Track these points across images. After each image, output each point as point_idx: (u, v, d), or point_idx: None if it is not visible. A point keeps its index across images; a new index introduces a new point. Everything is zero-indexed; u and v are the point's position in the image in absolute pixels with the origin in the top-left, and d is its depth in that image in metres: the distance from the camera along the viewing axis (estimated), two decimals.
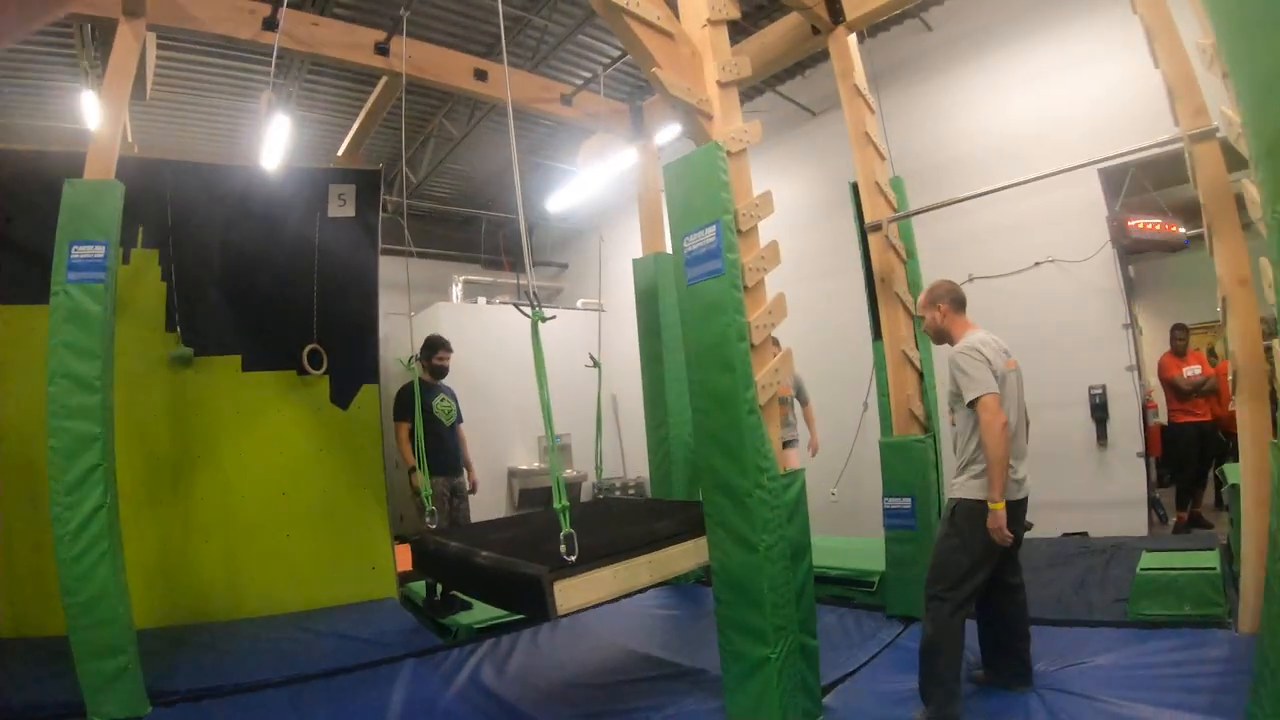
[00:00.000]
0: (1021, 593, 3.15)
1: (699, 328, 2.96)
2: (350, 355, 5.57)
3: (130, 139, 5.17)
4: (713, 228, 2.89)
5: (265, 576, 5.34)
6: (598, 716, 3.33)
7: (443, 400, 5.17)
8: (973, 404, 2.84)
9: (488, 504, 8.13)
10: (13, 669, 4.16)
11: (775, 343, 5.28)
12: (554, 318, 2.96)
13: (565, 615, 2.65)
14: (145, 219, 5.13)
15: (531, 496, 8.60)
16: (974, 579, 2.91)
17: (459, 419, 5.35)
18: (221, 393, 5.37)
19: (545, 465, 8.65)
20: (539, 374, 2.74)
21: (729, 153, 2.99)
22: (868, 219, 4.27)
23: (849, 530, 6.06)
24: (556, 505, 2.73)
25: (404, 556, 5.03)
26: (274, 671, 4.09)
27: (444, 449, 5.02)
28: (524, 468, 8.85)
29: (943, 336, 3.15)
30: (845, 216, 4.53)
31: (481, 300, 9.40)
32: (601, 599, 2.85)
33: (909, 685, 3.21)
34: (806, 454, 5.70)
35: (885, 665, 3.65)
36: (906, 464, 4.13)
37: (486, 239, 11.20)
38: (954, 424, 3.06)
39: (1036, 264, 5.84)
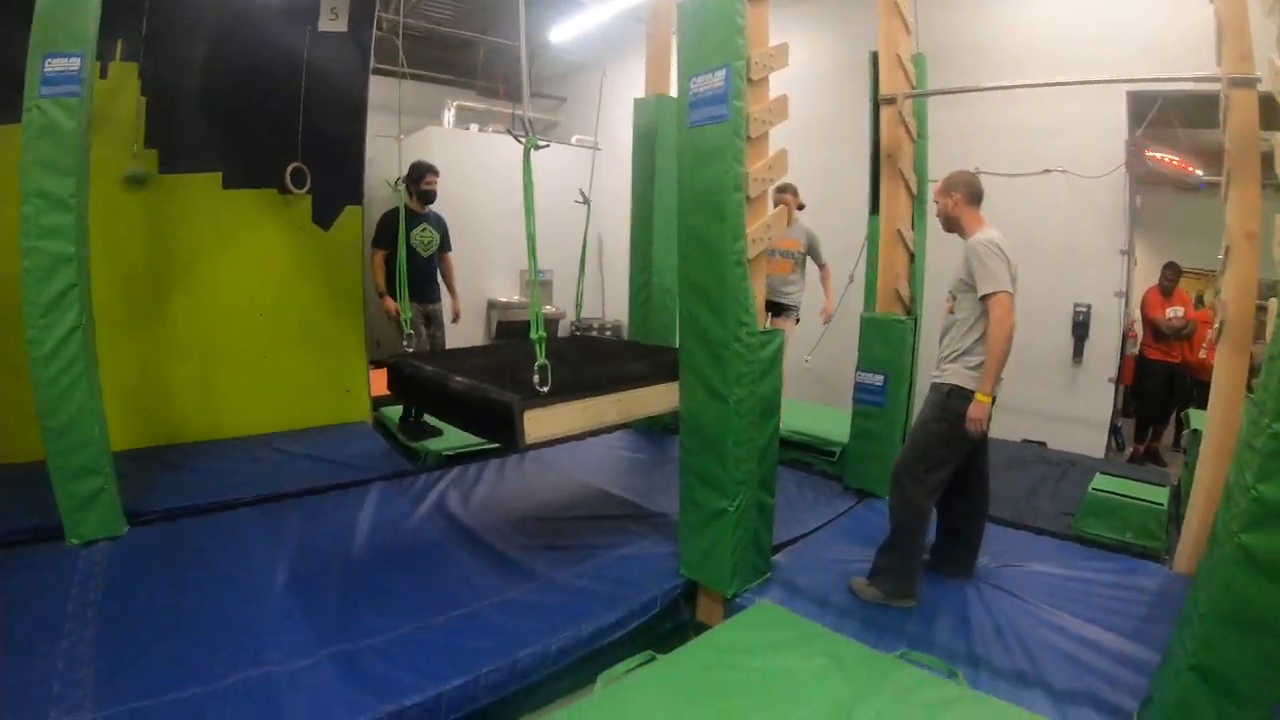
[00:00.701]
0: (988, 483, 3.23)
1: (694, 172, 2.89)
2: (334, 176, 5.42)
3: None
4: (722, 71, 2.77)
5: (241, 398, 5.37)
6: (556, 549, 3.47)
7: (424, 230, 5.07)
8: (985, 298, 2.82)
9: (466, 334, 8.14)
10: None
11: (794, 190, 5.19)
12: (547, 146, 2.87)
13: (533, 445, 2.72)
14: (124, 31, 4.83)
15: (509, 329, 8.66)
16: (950, 464, 2.99)
17: (444, 247, 5.27)
18: (200, 211, 5.21)
19: (525, 299, 8.65)
20: (527, 204, 2.68)
21: None
22: (883, 91, 4.12)
23: (818, 398, 6.21)
24: (533, 336, 2.71)
25: (379, 381, 5.18)
26: (248, 491, 4.18)
27: (418, 276, 4.98)
28: (504, 300, 8.82)
29: (952, 225, 3.10)
30: (855, 86, 4.39)
31: (474, 127, 9.07)
32: (569, 431, 2.91)
33: (856, 555, 3.38)
34: (819, 319, 5.61)
35: (836, 533, 3.79)
36: (884, 342, 4.15)
37: (483, 64, 10.80)
38: (951, 310, 3.04)
39: (1045, 171, 5.73)
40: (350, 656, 2.50)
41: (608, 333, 9.03)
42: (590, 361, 3.69)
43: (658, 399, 3.27)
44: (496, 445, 4.41)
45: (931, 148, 4.32)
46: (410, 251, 4.81)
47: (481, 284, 8.56)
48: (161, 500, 4.01)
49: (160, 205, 5.10)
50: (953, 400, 2.90)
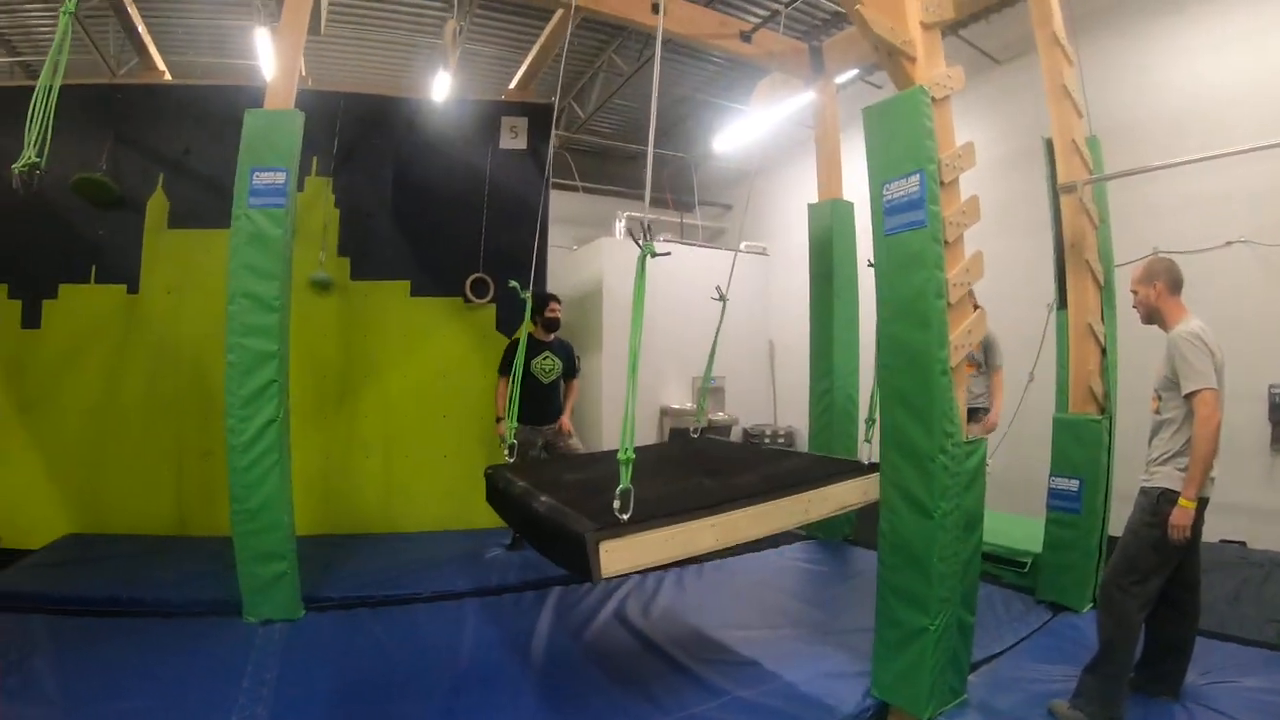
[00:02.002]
0: (1199, 593, 2.95)
1: (896, 280, 2.83)
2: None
3: (304, 72, 5.37)
4: (916, 176, 2.73)
5: (421, 494, 5.58)
6: (740, 664, 3.32)
7: (545, 358, 5.09)
8: (1190, 395, 2.65)
9: (639, 441, 8.20)
10: (175, 563, 4.49)
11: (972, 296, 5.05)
12: (668, 254, 2.77)
13: (610, 578, 2.42)
14: (319, 148, 5.38)
15: (678, 434, 8.57)
16: (1161, 575, 2.76)
17: (568, 374, 5.24)
18: (389, 316, 5.60)
19: (695, 406, 8.64)
20: (635, 312, 2.57)
21: (933, 98, 2.81)
22: (1061, 179, 3.96)
23: (1001, 505, 5.78)
24: (621, 456, 2.38)
25: None
26: (424, 587, 4.25)
27: (535, 402, 4.96)
28: (675, 406, 8.76)
29: (1153, 317, 2.92)
30: (1025, 174, 4.25)
31: None
32: (654, 562, 2.53)
33: (1055, 675, 3.12)
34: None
35: (1031, 651, 3.50)
36: (1079, 444, 3.90)
37: (652, 176, 11.17)
38: (1158, 411, 2.85)
39: (1228, 243, 5.32)
40: None
41: (780, 440, 8.80)
42: (694, 473, 3.37)
43: (761, 520, 2.77)
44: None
45: None
46: (530, 378, 4.88)
47: (655, 390, 8.60)
48: (338, 588, 4.15)
49: (351, 308, 5.52)
50: (1163, 505, 2.71)
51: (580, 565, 2.31)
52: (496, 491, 3.38)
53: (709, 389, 4.73)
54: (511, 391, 4.57)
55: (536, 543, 2.96)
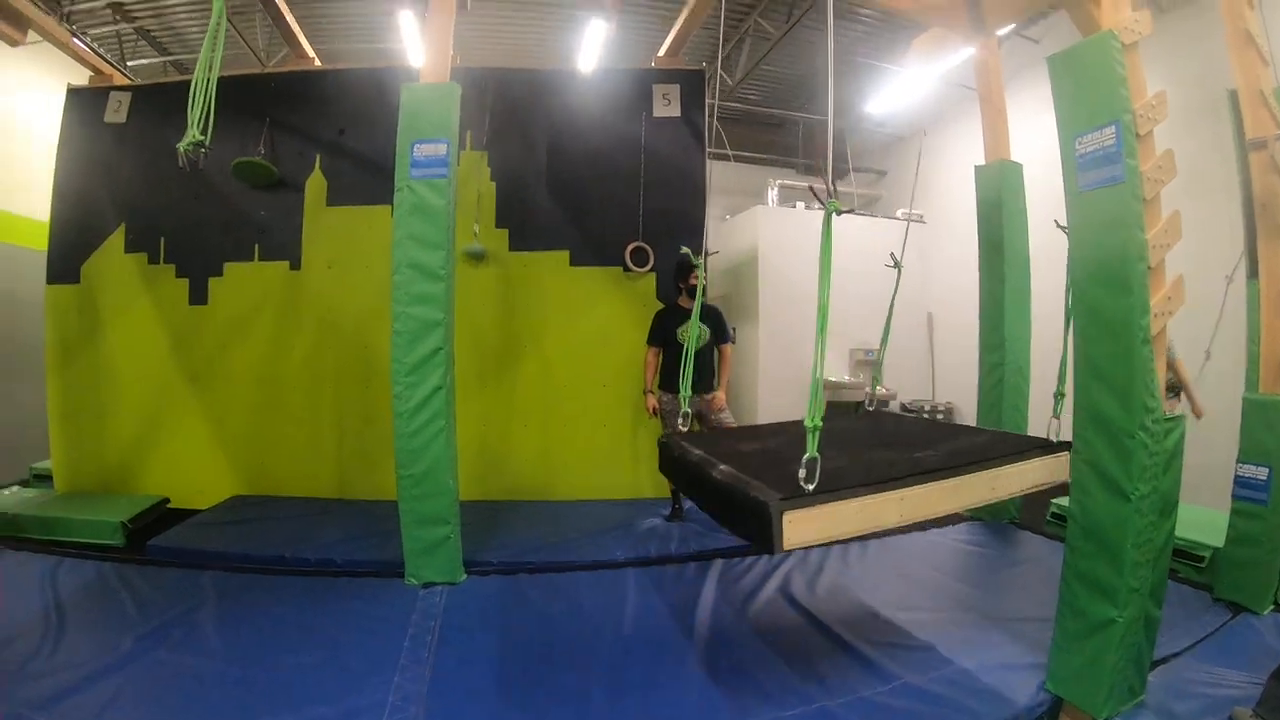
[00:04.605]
0: None
1: (1091, 241, 2.62)
2: (675, 254, 5.50)
3: (451, 50, 5.53)
4: (1111, 128, 2.52)
5: (579, 463, 5.66)
6: (907, 647, 3.21)
7: (686, 327, 5.07)
8: None
9: (791, 411, 7.95)
10: (337, 525, 4.71)
11: None
12: (850, 210, 2.61)
13: (792, 549, 2.32)
14: (472, 124, 5.50)
15: (840, 411, 8.42)
16: None
17: (719, 339, 5.14)
18: (548, 286, 5.69)
19: (855, 380, 8.45)
20: (823, 274, 2.39)
21: (1123, 44, 2.59)
22: (1249, 134, 3.58)
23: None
24: (808, 423, 2.28)
25: None
26: (583, 554, 4.29)
27: (682, 370, 4.96)
28: (833, 379, 8.58)
29: None
30: (1192, 131, 3.83)
31: (800, 205, 9.13)
32: (840, 535, 2.43)
33: (1236, 680, 2.94)
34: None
35: (1211, 652, 3.25)
36: (1271, 428, 3.53)
37: (804, 143, 10.96)
38: None
39: None
40: None
41: (939, 415, 8.54)
42: (875, 446, 3.22)
43: (949, 496, 2.63)
44: None
45: None
46: (675, 345, 4.87)
47: (810, 361, 8.46)
48: (499, 554, 4.23)
49: (510, 279, 5.65)
50: None
51: (763, 536, 2.23)
52: (671, 459, 3.31)
53: (881, 362, 4.55)
54: (659, 362, 4.59)
55: (714, 512, 2.87)
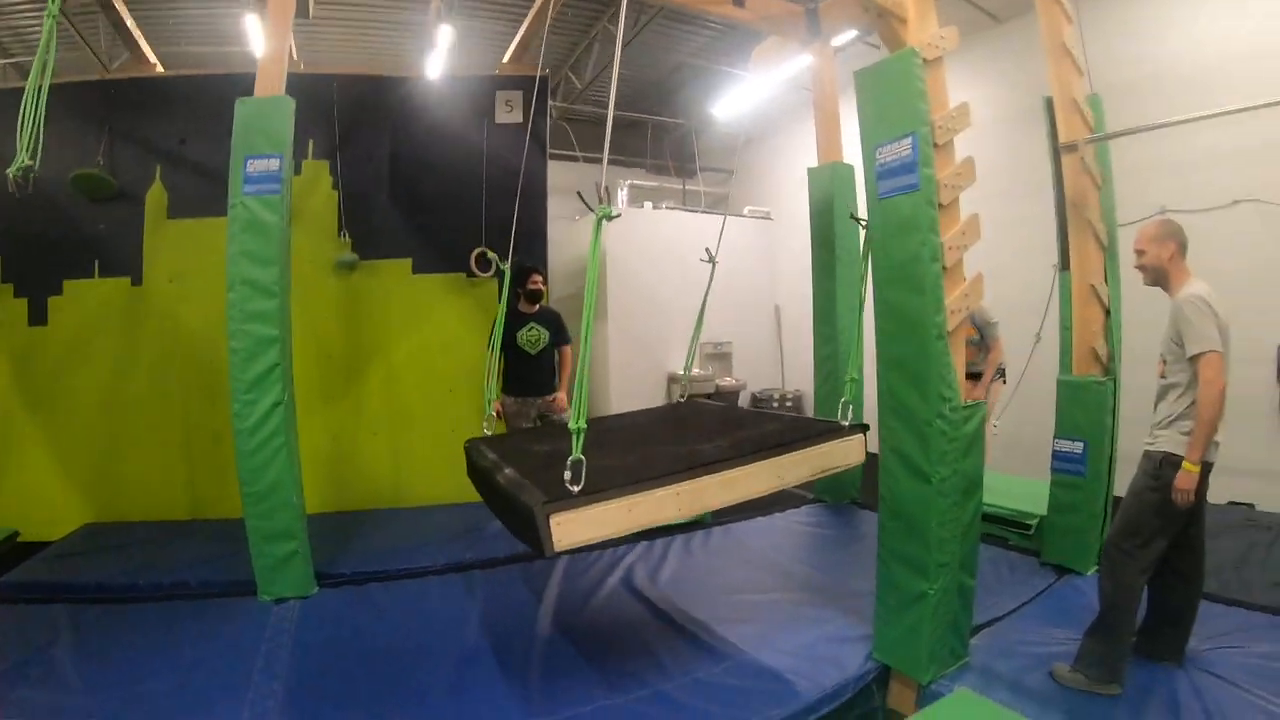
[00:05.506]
0: (1203, 558, 2.93)
1: (889, 245, 2.82)
2: (518, 258, 5.50)
3: (295, 57, 5.36)
4: (908, 140, 2.71)
5: (429, 469, 5.64)
6: (744, 629, 3.35)
7: (530, 330, 5.10)
8: (1194, 358, 2.63)
9: (644, 406, 8.30)
10: (189, 547, 4.57)
11: None
12: (619, 215, 2.64)
13: (564, 552, 2.33)
14: (315, 132, 5.39)
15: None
16: (1164, 538, 2.75)
17: (558, 342, 5.21)
18: (392, 294, 5.67)
19: (704, 372, 8.64)
20: (590, 276, 2.48)
21: (925, 60, 2.77)
22: (1062, 139, 3.91)
23: (1009, 467, 5.77)
24: (572, 425, 2.27)
25: None
26: (434, 559, 4.33)
27: (527, 373, 5.07)
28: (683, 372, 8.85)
29: (1159, 279, 2.88)
30: (1027, 134, 4.18)
31: (648, 205, 9.29)
32: (614, 534, 2.42)
33: (1058, 638, 3.12)
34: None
35: (1035, 614, 3.52)
36: (1083, 406, 3.88)
37: (653, 144, 11.13)
38: (1164, 375, 2.83)
39: (1235, 202, 5.23)
40: None
41: (788, 404, 8.91)
42: (664, 440, 3.24)
43: (730, 487, 2.61)
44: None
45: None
46: (518, 351, 4.97)
47: (661, 357, 8.61)
48: (350, 564, 4.22)
49: (354, 289, 5.57)
50: (1166, 469, 2.69)
51: (533, 538, 2.26)
52: (472, 465, 3.31)
53: (692, 354, 4.71)
54: (490, 365, 4.54)
55: (501, 516, 2.86)
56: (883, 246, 2.86)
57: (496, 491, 2.70)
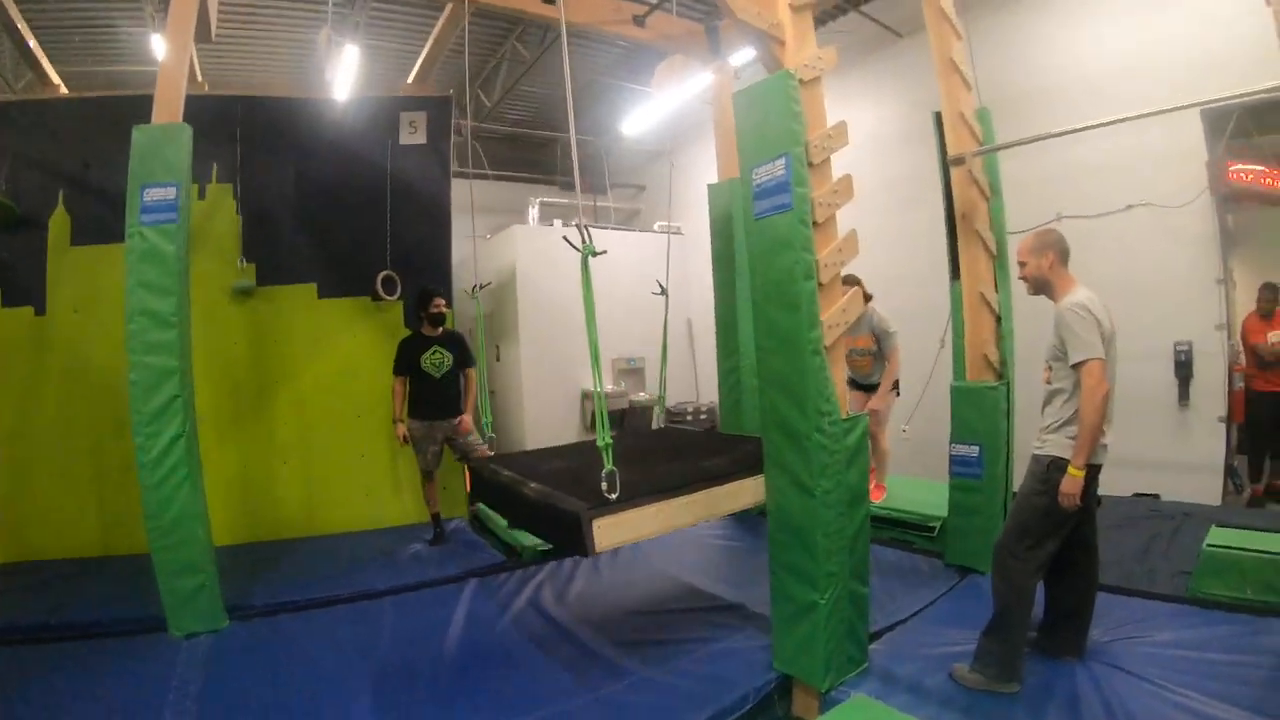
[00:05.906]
0: (1096, 556, 3.04)
1: (765, 263, 2.87)
2: (424, 281, 5.53)
3: (200, 78, 5.29)
4: (781, 160, 2.77)
5: (339, 496, 5.61)
6: (648, 645, 3.40)
7: (434, 353, 5.09)
8: (1076, 365, 2.71)
9: (560, 426, 8.35)
10: (101, 584, 4.48)
11: (858, 282, 4.97)
12: (604, 253, 2.88)
13: (604, 551, 2.70)
14: (219, 154, 5.32)
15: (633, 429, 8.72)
16: (1055, 539, 2.82)
17: (462, 364, 5.21)
18: (298, 320, 5.61)
19: (618, 389, 8.73)
20: (588, 312, 2.74)
21: (801, 81, 2.82)
22: (950, 152, 4.04)
23: (918, 469, 5.93)
24: (599, 442, 2.69)
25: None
26: (345, 587, 4.31)
27: (429, 398, 5.06)
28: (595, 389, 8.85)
29: (1042, 287, 2.97)
30: (929, 146, 4.30)
31: (558, 223, 9.29)
32: (643, 536, 2.87)
33: (959, 639, 3.18)
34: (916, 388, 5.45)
35: (936, 616, 3.60)
36: (977, 411, 3.99)
37: (563, 161, 11.18)
38: (1049, 381, 2.91)
39: (1128, 207, 5.46)
40: None
41: (702, 416, 8.95)
42: (667, 458, 3.61)
43: (733, 497, 3.19)
44: None
45: (1007, 199, 4.19)
46: (423, 375, 4.98)
47: (574, 375, 8.62)
48: (261, 596, 4.17)
49: (259, 315, 5.49)
50: (1053, 473, 2.76)
51: (576, 541, 2.58)
52: (483, 482, 3.63)
53: (664, 379, 4.98)
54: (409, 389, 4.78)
55: (530, 527, 3.38)
56: (758, 266, 2.92)
57: (524, 502, 3.08)
